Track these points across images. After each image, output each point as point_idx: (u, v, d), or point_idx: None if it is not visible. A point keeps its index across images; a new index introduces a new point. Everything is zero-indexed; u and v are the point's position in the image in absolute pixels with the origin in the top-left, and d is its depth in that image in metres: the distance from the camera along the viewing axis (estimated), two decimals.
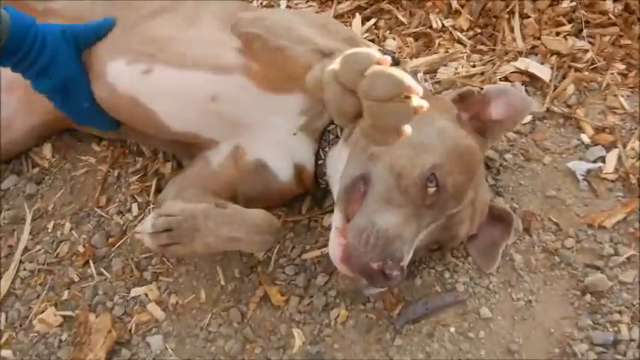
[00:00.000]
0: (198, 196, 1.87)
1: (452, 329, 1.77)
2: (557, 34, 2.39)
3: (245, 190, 1.90)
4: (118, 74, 1.93)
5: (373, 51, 1.24)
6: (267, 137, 1.88)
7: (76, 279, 2.04)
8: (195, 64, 1.84)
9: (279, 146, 1.91)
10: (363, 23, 2.57)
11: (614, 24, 2.40)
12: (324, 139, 1.87)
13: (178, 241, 1.71)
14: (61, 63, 1.87)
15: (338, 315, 1.83)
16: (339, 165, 1.78)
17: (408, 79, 1.20)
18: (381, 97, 1.21)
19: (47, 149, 2.41)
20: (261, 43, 1.68)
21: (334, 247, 1.61)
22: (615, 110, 2.17)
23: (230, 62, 1.82)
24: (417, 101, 1.21)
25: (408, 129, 1.24)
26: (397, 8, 2.60)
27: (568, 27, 2.41)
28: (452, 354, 1.73)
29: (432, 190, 1.60)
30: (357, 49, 1.27)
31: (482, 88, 1.78)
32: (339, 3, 2.63)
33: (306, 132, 1.88)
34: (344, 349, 1.78)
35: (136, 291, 1.98)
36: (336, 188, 1.76)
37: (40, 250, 2.14)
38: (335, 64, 1.27)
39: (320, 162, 1.89)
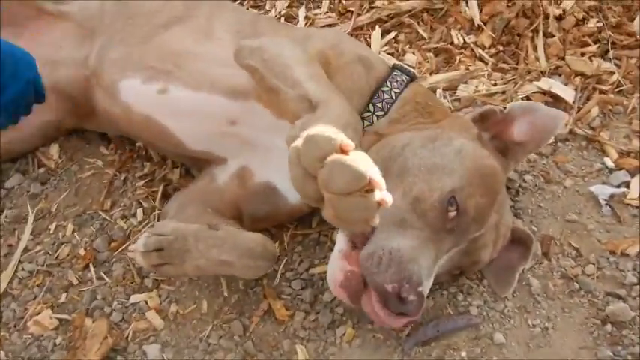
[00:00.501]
0: (199, 214, 1.84)
1: (463, 353, 1.69)
2: (582, 54, 2.32)
3: (251, 209, 1.86)
4: (133, 93, 1.92)
5: (337, 134, 1.18)
6: (278, 161, 1.82)
7: (75, 282, 1.98)
8: (211, 86, 1.81)
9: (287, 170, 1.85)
10: (382, 37, 2.52)
11: None
12: None
13: (169, 262, 1.69)
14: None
15: (344, 333, 1.76)
16: None
17: (370, 171, 1.15)
18: (340, 190, 1.16)
19: (54, 150, 2.35)
20: (258, 77, 1.62)
21: (334, 271, 1.55)
22: None
23: (244, 86, 1.79)
24: (379, 195, 1.16)
25: (376, 220, 1.19)
26: (418, 23, 2.55)
27: (593, 48, 2.34)
28: None
29: (452, 214, 1.53)
30: (321, 129, 1.20)
31: (504, 107, 1.72)
32: (358, 15, 2.57)
33: None
34: None
35: (135, 297, 1.91)
36: None
37: (40, 250, 2.08)
38: (299, 141, 1.21)
39: None
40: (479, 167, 1.62)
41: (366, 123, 1.77)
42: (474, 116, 1.75)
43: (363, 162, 1.18)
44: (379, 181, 1.17)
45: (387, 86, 1.80)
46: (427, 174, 1.58)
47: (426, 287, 1.51)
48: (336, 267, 1.55)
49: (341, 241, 1.59)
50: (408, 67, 1.92)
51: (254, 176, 1.86)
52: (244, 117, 1.66)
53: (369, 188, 1.17)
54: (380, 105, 1.78)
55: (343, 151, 1.19)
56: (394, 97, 1.80)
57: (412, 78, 1.88)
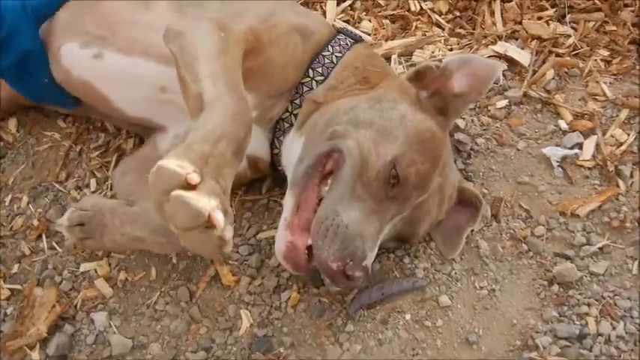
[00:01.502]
0: (138, 181, 1.85)
1: (407, 316, 1.69)
2: (539, 18, 2.31)
3: None
4: (72, 58, 1.90)
5: (182, 167, 1.18)
6: None
7: (28, 253, 1.98)
8: (144, 52, 1.80)
9: None
10: (338, 4, 2.50)
11: (599, 9, 2.32)
12: (278, 128, 1.81)
13: (90, 236, 1.74)
14: (20, 37, 1.83)
15: (289, 297, 1.75)
16: (293, 152, 1.73)
17: (209, 209, 1.15)
18: (181, 226, 1.17)
19: (12, 124, 2.35)
20: (175, 64, 1.59)
21: (279, 241, 1.57)
22: (596, 97, 2.09)
23: None
24: (220, 232, 1.17)
25: (228, 246, 1.22)
26: None
27: (551, 12, 2.33)
28: (406, 342, 1.65)
29: (393, 182, 1.53)
30: (167, 162, 1.19)
31: (440, 62, 1.69)
32: None
33: (258, 124, 1.80)
34: (293, 333, 1.70)
35: (85, 266, 1.90)
36: (290, 175, 1.69)
37: None
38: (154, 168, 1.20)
39: (276, 151, 1.84)
40: (419, 133, 1.61)
41: (305, 88, 1.76)
42: (409, 75, 1.73)
43: (205, 198, 1.17)
44: (218, 219, 1.16)
45: (329, 50, 1.79)
46: (376, 134, 1.59)
47: (370, 260, 1.52)
48: (280, 237, 1.57)
49: (287, 206, 1.61)
50: (353, 30, 1.90)
51: None
52: (175, 84, 1.65)
53: (209, 225, 1.17)
54: (320, 70, 1.77)
55: (190, 185, 1.18)
56: (335, 62, 1.79)
57: (357, 41, 1.86)
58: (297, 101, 1.77)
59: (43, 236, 2.01)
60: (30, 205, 2.10)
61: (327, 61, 1.78)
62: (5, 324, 1.83)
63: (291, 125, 1.78)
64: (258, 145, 1.83)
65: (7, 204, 2.12)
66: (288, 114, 1.79)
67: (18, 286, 1.91)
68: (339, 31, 1.88)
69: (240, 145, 1.35)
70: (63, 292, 1.86)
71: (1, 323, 1.83)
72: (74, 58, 1.88)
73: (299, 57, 1.77)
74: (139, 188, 1.78)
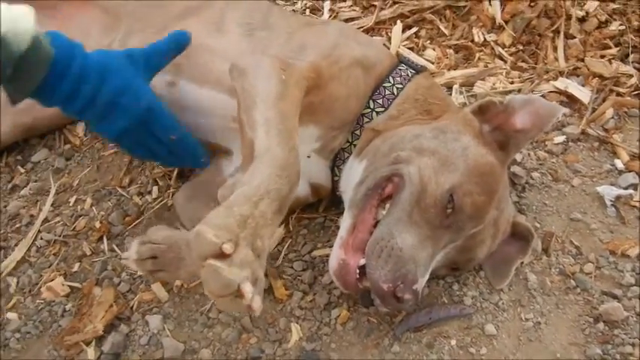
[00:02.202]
0: (205, 207, 1.86)
1: (453, 342, 1.72)
2: (602, 56, 2.33)
3: None
4: None
5: (217, 237, 1.21)
6: None
7: (88, 253, 2.06)
8: (216, 83, 1.85)
9: None
10: (403, 31, 2.55)
11: None
12: (338, 157, 1.87)
13: (163, 269, 1.75)
14: (132, 96, 1.67)
15: (339, 315, 1.79)
16: (352, 177, 1.78)
17: (239, 281, 1.19)
18: (213, 293, 1.21)
19: (80, 128, 2.45)
20: (237, 101, 1.63)
21: (333, 258, 1.62)
22: None
23: None
24: (248, 302, 1.21)
25: (256, 312, 1.24)
26: (440, 19, 2.58)
27: (614, 50, 2.35)
28: None
29: (449, 210, 1.57)
30: (205, 229, 1.22)
31: (504, 99, 1.73)
32: (381, 10, 2.61)
33: (320, 154, 1.88)
34: (340, 349, 1.74)
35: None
36: (348, 198, 1.74)
37: (59, 222, 2.16)
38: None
39: (336, 178, 1.89)
40: (479, 166, 1.64)
41: (366, 120, 1.82)
42: (473, 108, 1.77)
43: (236, 269, 1.20)
44: (246, 291, 1.20)
45: (389, 82, 1.84)
46: (437, 163, 1.63)
47: (421, 284, 1.56)
48: (334, 255, 1.62)
49: (344, 225, 1.66)
50: (415, 60, 1.94)
51: None
52: None
53: (238, 294, 1.21)
54: (380, 102, 1.82)
55: (224, 254, 1.21)
56: (395, 93, 1.83)
57: (417, 71, 1.90)
58: (358, 132, 1.82)
59: (104, 238, 2.08)
60: (93, 208, 2.18)
61: (387, 92, 1.82)
62: (64, 319, 1.90)
63: (351, 154, 1.84)
64: (320, 174, 1.90)
65: (71, 204, 2.21)
66: (348, 144, 1.84)
67: (77, 284, 1.98)
68: (401, 60, 1.93)
69: (282, 203, 1.38)
70: (120, 293, 1.93)
71: (59, 318, 1.91)
72: (150, 83, 1.94)
73: (361, 89, 1.81)
74: (205, 214, 1.82)
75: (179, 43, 1.79)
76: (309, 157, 1.87)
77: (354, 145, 1.82)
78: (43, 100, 1.61)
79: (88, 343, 1.82)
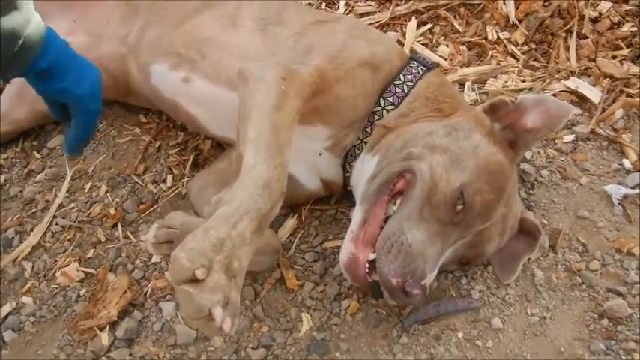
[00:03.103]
0: None
1: (460, 334, 1.75)
2: (614, 57, 2.35)
3: None
4: (161, 79, 2.03)
5: (191, 262, 1.26)
6: (295, 155, 1.87)
7: (103, 239, 2.10)
8: (229, 81, 1.87)
9: (306, 163, 1.94)
10: (418, 27, 2.58)
11: None
12: (350, 154, 1.90)
13: None
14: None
15: (349, 305, 1.83)
16: (363, 172, 1.81)
17: (210, 305, 1.24)
18: (187, 316, 1.27)
19: None
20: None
21: (343, 251, 1.65)
22: None
23: None
24: (219, 324, 1.25)
25: (230, 332, 1.30)
26: (454, 16, 2.61)
27: (626, 51, 2.37)
28: (456, 359, 1.71)
29: (459, 207, 1.61)
30: (180, 255, 1.27)
31: (515, 98, 1.75)
32: (397, 5, 2.63)
33: (331, 152, 1.91)
34: (349, 339, 1.78)
35: (157, 257, 2.01)
36: (359, 193, 1.77)
37: (74, 208, 2.20)
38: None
39: (347, 174, 1.92)
40: (489, 164, 1.67)
41: (376, 117, 1.84)
42: (485, 107, 1.79)
43: (207, 294, 1.25)
44: (216, 315, 1.25)
45: (400, 79, 1.86)
46: (449, 161, 1.65)
47: (429, 280, 1.59)
48: (344, 248, 1.66)
49: (356, 219, 1.69)
50: (426, 57, 1.95)
51: None
52: None
53: (209, 318, 1.26)
54: (391, 99, 1.84)
55: (197, 280, 1.26)
56: (406, 91, 1.85)
57: (429, 68, 1.92)
58: (369, 129, 1.85)
59: (119, 225, 2.13)
60: (108, 195, 2.22)
61: (398, 90, 1.85)
62: (78, 304, 1.94)
63: (362, 151, 1.87)
64: (332, 171, 1.94)
65: (86, 191, 2.25)
66: (359, 141, 1.87)
67: (92, 270, 2.02)
68: (412, 57, 1.95)
69: (262, 222, 1.41)
70: (134, 280, 1.97)
71: (74, 303, 1.95)
72: (164, 78, 2.01)
73: (368, 88, 1.83)
74: None
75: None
76: (320, 154, 1.91)
77: (365, 142, 1.85)
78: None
79: (101, 328, 1.86)
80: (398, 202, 1.67)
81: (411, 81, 1.86)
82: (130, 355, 1.82)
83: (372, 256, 1.61)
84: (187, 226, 1.74)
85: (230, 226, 1.35)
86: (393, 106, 1.83)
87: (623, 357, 1.68)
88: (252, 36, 1.92)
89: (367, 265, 1.61)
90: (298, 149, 1.85)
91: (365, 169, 1.80)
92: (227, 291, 1.28)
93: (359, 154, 1.86)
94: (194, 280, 1.25)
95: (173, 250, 1.72)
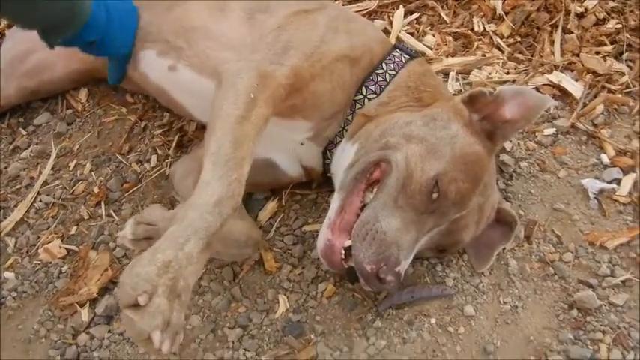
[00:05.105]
0: None
1: (432, 320, 1.79)
2: (597, 53, 2.37)
3: (251, 179, 1.80)
4: (149, 65, 2.03)
5: (134, 289, 1.31)
6: (276, 144, 1.93)
7: (86, 217, 2.12)
8: (213, 72, 1.85)
9: (287, 152, 1.97)
10: (405, 16, 2.59)
11: None
12: (331, 141, 1.91)
13: None
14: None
15: (325, 289, 1.86)
16: (343, 159, 1.83)
17: (149, 330, 1.30)
18: (130, 336, 1.38)
19: (83, 94, 2.50)
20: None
21: (320, 238, 1.69)
22: None
23: None
24: (157, 347, 1.31)
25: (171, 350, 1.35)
26: (442, 6, 2.62)
27: (609, 48, 2.39)
28: (428, 344, 1.75)
29: (434, 195, 1.63)
30: (125, 280, 1.33)
31: (494, 89, 1.77)
32: None
33: (313, 141, 1.93)
34: (324, 322, 1.81)
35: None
36: (338, 181, 1.80)
37: (58, 185, 2.23)
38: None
39: (327, 162, 1.94)
40: (465, 155, 1.70)
41: (358, 106, 1.86)
42: (463, 98, 1.80)
43: (148, 319, 1.31)
44: (155, 340, 1.30)
45: (382, 68, 1.87)
46: (425, 150, 1.68)
47: (403, 267, 1.63)
48: (321, 235, 1.69)
49: (333, 207, 1.72)
50: (411, 46, 1.96)
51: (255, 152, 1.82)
52: None
53: (150, 341, 1.31)
54: (373, 88, 1.86)
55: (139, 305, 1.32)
56: (388, 80, 1.87)
57: (412, 57, 1.94)
58: (350, 118, 1.87)
59: (102, 203, 2.15)
60: (92, 173, 2.24)
61: (380, 79, 1.86)
62: (59, 280, 1.97)
63: (343, 138, 1.89)
64: (313, 159, 1.96)
65: (70, 169, 2.27)
66: (341, 129, 1.88)
67: (74, 247, 2.05)
68: (395, 46, 1.96)
69: (211, 239, 1.45)
70: (116, 258, 2.00)
71: (55, 279, 1.98)
72: (151, 65, 2.01)
73: (346, 81, 1.84)
74: None
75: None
76: (302, 144, 1.93)
77: (347, 130, 1.87)
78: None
79: (82, 305, 1.90)
80: (374, 190, 1.69)
81: (394, 70, 1.87)
82: (109, 331, 1.85)
83: (348, 243, 1.63)
84: (165, 221, 1.73)
85: (177, 247, 1.39)
86: (375, 95, 1.85)
87: (590, 347, 1.72)
88: (239, 25, 1.93)
89: (343, 251, 1.64)
90: (280, 139, 1.89)
91: (344, 157, 1.82)
92: (167, 314, 1.33)
93: (340, 141, 1.88)
94: (137, 305, 1.31)
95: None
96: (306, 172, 2.00)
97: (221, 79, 1.69)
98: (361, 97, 1.85)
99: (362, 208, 1.68)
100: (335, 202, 1.73)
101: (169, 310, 1.34)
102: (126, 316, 1.31)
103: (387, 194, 1.65)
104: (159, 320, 1.31)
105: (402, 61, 1.90)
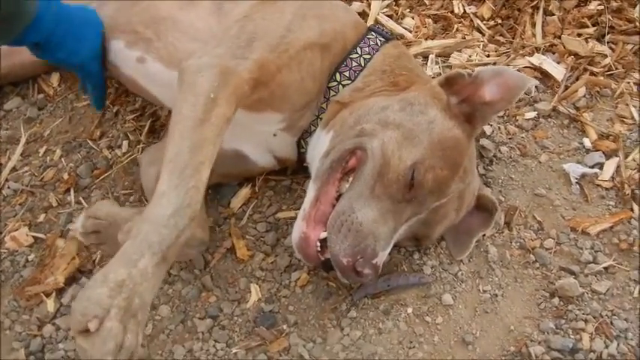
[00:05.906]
0: None
1: (409, 310, 1.74)
2: (579, 35, 2.33)
3: (220, 170, 1.81)
4: (119, 56, 1.96)
5: (84, 316, 1.26)
6: (246, 134, 1.87)
7: (55, 204, 2.06)
8: (181, 64, 1.77)
9: (258, 143, 1.91)
10: None
11: (638, 32, 2.32)
12: (305, 130, 1.85)
13: (105, 242, 1.78)
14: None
15: (299, 278, 1.82)
16: (318, 148, 1.78)
17: (101, 356, 1.25)
18: None
19: (55, 78, 2.45)
20: None
21: (295, 230, 1.64)
22: (624, 119, 2.11)
23: None
24: None
25: None
26: None
27: (591, 30, 2.34)
28: (404, 334, 1.70)
29: (412, 184, 1.58)
30: (76, 306, 1.28)
31: (472, 71, 1.72)
32: None
33: (287, 132, 1.86)
34: (298, 312, 1.76)
35: None
36: (314, 169, 1.75)
37: (27, 171, 2.17)
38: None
39: (302, 150, 1.89)
40: (444, 140, 1.65)
41: (332, 93, 1.80)
42: (440, 81, 1.75)
43: (98, 345, 1.25)
44: None
45: (357, 53, 1.81)
46: (401, 137, 1.63)
47: (381, 258, 1.58)
48: (296, 227, 1.64)
49: (308, 198, 1.67)
50: (388, 29, 1.90)
51: (223, 143, 1.71)
52: None
53: None
54: (347, 74, 1.80)
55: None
56: (363, 65, 1.81)
57: (387, 39, 1.88)
58: (324, 105, 1.81)
59: (72, 190, 2.09)
60: (62, 159, 2.19)
61: (354, 64, 1.80)
62: (26, 270, 1.92)
63: (317, 127, 1.83)
64: (286, 149, 1.91)
65: (40, 155, 2.21)
66: (315, 117, 1.83)
67: (42, 235, 1.99)
68: (370, 29, 1.90)
69: (167, 252, 1.39)
70: (84, 247, 1.93)
71: (22, 269, 1.92)
72: (120, 56, 1.94)
73: (317, 68, 1.78)
74: None
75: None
76: (275, 135, 1.86)
77: (321, 119, 1.82)
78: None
79: (48, 295, 1.84)
80: (350, 179, 1.64)
81: (369, 54, 1.81)
82: None
83: (324, 235, 1.59)
84: (113, 217, 1.74)
85: (131, 265, 1.33)
86: (350, 81, 1.79)
87: (572, 336, 1.68)
88: (208, 14, 1.86)
89: (319, 244, 1.60)
90: (249, 130, 1.83)
91: (319, 146, 1.77)
92: (120, 338, 1.27)
93: (314, 130, 1.83)
94: (87, 332, 1.26)
95: (101, 240, 1.77)
96: (279, 161, 1.95)
97: (182, 77, 1.62)
98: (335, 83, 1.79)
99: (338, 198, 1.63)
100: (310, 191, 1.67)
101: (122, 333, 1.28)
102: (77, 344, 1.27)
103: (362, 183, 1.60)
104: (110, 346, 1.25)
105: (377, 44, 1.84)
